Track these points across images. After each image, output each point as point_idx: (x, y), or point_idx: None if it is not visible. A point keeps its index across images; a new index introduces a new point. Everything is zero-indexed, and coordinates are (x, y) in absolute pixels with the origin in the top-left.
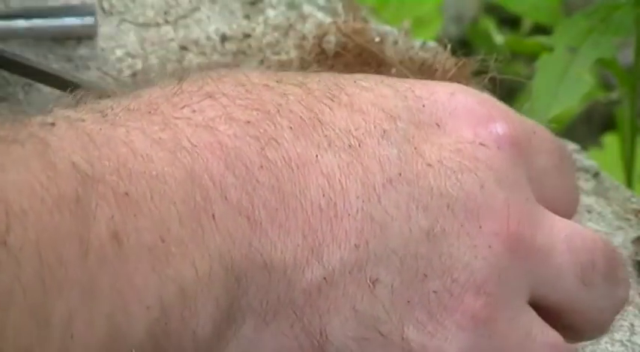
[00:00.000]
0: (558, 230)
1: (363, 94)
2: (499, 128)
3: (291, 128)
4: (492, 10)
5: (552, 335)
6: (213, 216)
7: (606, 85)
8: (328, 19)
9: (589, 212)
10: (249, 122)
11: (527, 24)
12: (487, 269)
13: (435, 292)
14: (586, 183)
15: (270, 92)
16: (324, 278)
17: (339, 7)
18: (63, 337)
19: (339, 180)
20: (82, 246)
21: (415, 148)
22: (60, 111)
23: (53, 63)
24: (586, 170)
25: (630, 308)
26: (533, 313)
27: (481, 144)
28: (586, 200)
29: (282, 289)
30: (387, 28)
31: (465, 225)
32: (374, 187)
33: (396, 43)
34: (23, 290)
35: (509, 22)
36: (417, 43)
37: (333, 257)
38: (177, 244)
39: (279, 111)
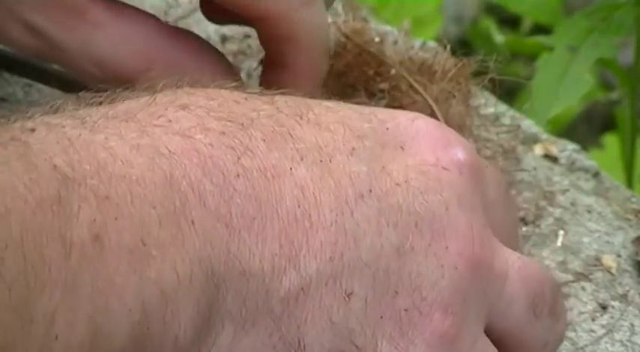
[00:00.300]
0: (512, 259)
1: (330, 114)
2: (459, 153)
3: (264, 140)
4: (492, 10)
5: None
6: (193, 221)
7: (606, 85)
8: (328, 19)
9: (589, 212)
10: (223, 133)
11: (527, 24)
12: (453, 289)
13: (405, 310)
14: (586, 183)
15: (241, 107)
16: (302, 288)
17: (339, 7)
18: (46, 336)
19: (313, 193)
20: (65, 245)
21: (383, 167)
22: (39, 117)
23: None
24: (586, 170)
25: (630, 308)
26: (488, 340)
27: (443, 168)
28: (586, 200)
29: (260, 297)
30: (387, 28)
31: (432, 244)
32: (346, 201)
33: (395, 43)
34: (8, 289)
35: (510, 22)
36: (417, 43)
37: (309, 267)
38: (158, 247)
39: (252, 123)
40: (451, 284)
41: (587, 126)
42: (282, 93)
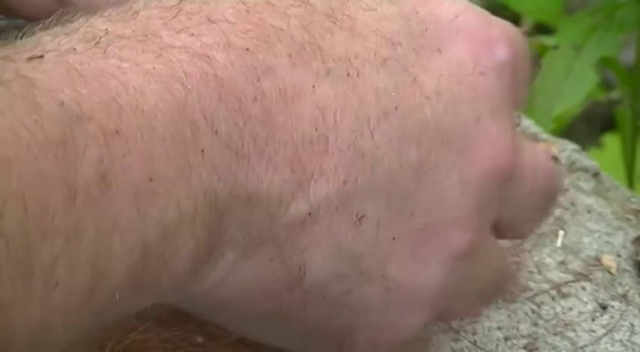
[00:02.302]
0: (531, 156)
1: (366, 15)
2: (501, 53)
3: (290, 55)
4: (493, 10)
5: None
6: (202, 151)
7: (606, 85)
8: None
9: (589, 212)
10: (247, 49)
11: (528, 23)
12: (473, 206)
13: (421, 230)
14: (586, 183)
15: (271, 12)
16: (309, 213)
17: None
18: (46, 285)
19: (334, 113)
20: (70, 190)
21: (414, 79)
22: (49, 40)
23: None
24: (586, 170)
25: (630, 308)
26: (494, 239)
27: (481, 73)
28: (586, 200)
29: (264, 224)
30: None
31: (457, 160)
32: (368, 121)
33: None
34: (7, 244)
35: (510, 21)
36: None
37: (319, 192)
38: (164, 183)
39: (279, 37)
40: (472, 200)
41: (587, 126)
42: None
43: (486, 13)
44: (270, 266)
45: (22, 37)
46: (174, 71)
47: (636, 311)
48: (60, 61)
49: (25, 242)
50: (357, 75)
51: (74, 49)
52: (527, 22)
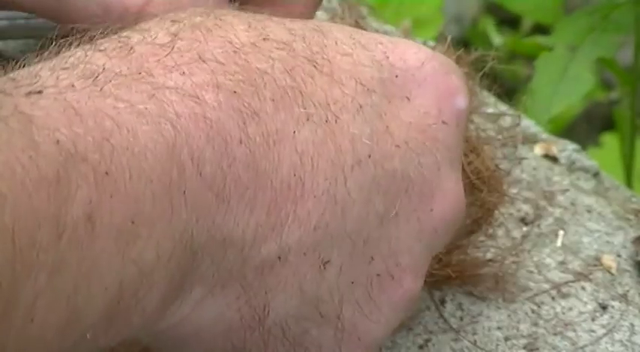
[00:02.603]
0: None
1: (343, 61)
2: (461, 102)
3: (273, 100)
4: (492, 10)
5: None
6: (185, 192)
7: (606, 85)
8: (327, 18)
9: (589, 212)
10: (235, 92)
11: (527, 24)
12: (427, 253)
13: (378, 275)
14: (586, 183)
15: (257, 55)
16: (279, 256)
17: (338, 6)
18: (24, 320)
19: (311, 159)
20: (58, 228)
21: (387, 127)
22: (49, 75)
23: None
24: (586, 170)
25: (630, 308)
26: None
27: (443, 122)
28: (586, 200)
29: (235, 264)
30: (388, 27)
31: (417, 209)
32: (343, 169)
33: None
34: None
35: (510, 21)
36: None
37: (291, 237)
38: (146, 225)
39: (264, 81)
40: (426, 247)
41: (587, 126)
42: (301, 21)
43: (447, 60)
44: (235, 304)
45: (20, 67)
46: (165, 112)
47: (636, 311)
48: (58, 98)
49: (11, 276)
50: (335, 121)
51: (72, 85)
52: (526, 23)
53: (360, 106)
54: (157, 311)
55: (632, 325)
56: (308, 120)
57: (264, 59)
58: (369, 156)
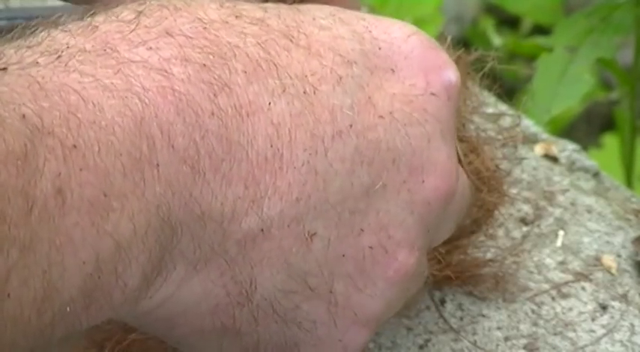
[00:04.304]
0: (461, 177)
1: (321, 34)
2: (451, 75)
3: (245, 72)
4: (492, 11)
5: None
6: (157, 165)
7: (606, 85)
8: None
9: (589, 212)
10: (204, 65)
11: (527, 24)
12: (421, 226)
13: (370, 248)
14: (586, 183)
15: (228, 30)
16: (261, 229)
17: None
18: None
19: (289, 130)
20: (27, 202)
21: (369, 98)
22: (13, 53)
23: None
24: (586, 170)
25: (630, 308)
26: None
27: (432, 93)
28: (586, 200)
29: (216, 239)
30: None
31: (407, 180)
32: (322, 139)
33: None
34: None
35: (509, 22)
36: None
37: (272, 209)
38: (119, 198)
39: (235, 54)
40: (419, 220)
41: (587, 126)
42: (276, 3)
43: (433, 39)
44: (220, 280)
45: None
46: (132, 86)
47: (636, 312)
48: (23, 73)
49: None
50: (314, 92)
51: (37, 62)
52: (526, 23)
53: (340, 77)
54: (139, 288)
55: (632, 325)
56: (284, 91)
57: (235, 34)
58: (351, 127)
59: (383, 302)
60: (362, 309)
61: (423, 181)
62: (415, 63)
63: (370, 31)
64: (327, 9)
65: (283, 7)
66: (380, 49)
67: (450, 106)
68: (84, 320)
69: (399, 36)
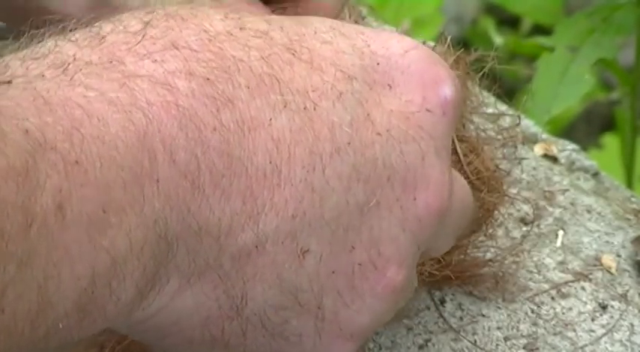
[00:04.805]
0: (460, 190)
1: (323, 49)
2: (447, 91)
3: (248, 87)
4: (492, 11)
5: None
6: (157, 180)
7: (606, 85)
8: None
9: (589, 212)
10: (208, 80)
11: (527, 24)
12: (411, 243)
13: (359, 264)
14: (586, 183)
15: (232, 43)
16: (256, 245)
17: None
18: None
19: (288, 147)
20: (27, 218)
21: (367, 114)
22: (18, 65)
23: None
24: (586, 170)
25: (630, 307)
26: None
27: (428, 110)
28: (586, 200)
29: (212, 254)
30: (387, 27)
31: (400, 198)
32: (321, 157)
33: None
34: None
35: (509, 22)
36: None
37: (268, 225)
38: (117, 213)
39: (239, 68)
40: (410, 237)
41: (587, 126)
42: (279, 15)
43: (432, 51)
44: (213, 294)
45: None
46: (136, 100)
47: (636, 311)
48: (27, 87)
49: None
50: (314, 108)
51: (42, 75)
52: (526, 23)
53: (340, 93)
54: (132, 302)
55: (632, 325)
56: (285, 107)
57: (239, 47)
58: (349, 144)
59: (369, 317)
60: (348, 324)
61: (415, 198)
62: (412, 78)
63: (369, 46)
64: (327, 21)
65: (286, 20)
66: (378, 64)
67: (445, 122)
68: (76, 333)
69: (396, 51)
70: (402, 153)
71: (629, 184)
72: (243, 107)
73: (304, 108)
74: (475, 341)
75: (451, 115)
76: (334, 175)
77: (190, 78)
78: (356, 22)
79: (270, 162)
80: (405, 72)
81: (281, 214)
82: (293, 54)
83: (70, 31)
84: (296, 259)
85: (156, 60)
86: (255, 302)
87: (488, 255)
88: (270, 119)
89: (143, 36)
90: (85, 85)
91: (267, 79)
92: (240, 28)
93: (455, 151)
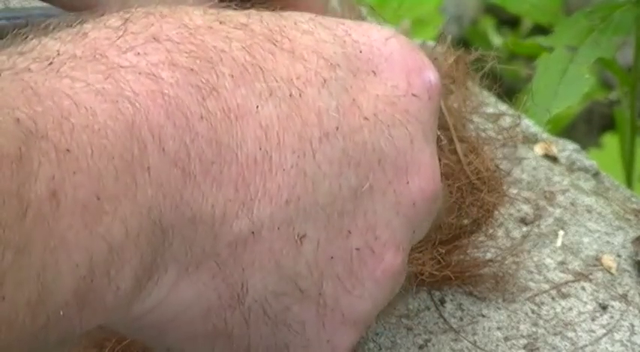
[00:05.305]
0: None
1: (304, 38)
2: (431, 76)
3: (232, 76)
4: (492, 11)
5: None
6: (149, 168)
7: (606, 85)
8: None
9: (589, 212)
10: (192, 70)
11: (527, 24)
12: (406, 227)
13: (357, 249)
14: (586, 183)
15: (213, 35)
16: (252, 232)
17: (338, 6)
18: None
19: (277, 133)
20: (22, 205)
21: (353, 99)
22: (5, 59)
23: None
24: (586, 170)
25: (630, 308)
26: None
27: (413, 94)
28: (586, 200)
29: (207, 242)
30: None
31: (393, 181)
32: (310, 142)
33: None
34: None
35: (509, 22)
36: (417, 42)
37: (263, 212)
38: (111, 201)
39: (221, 58)
40: (405, 221)
41: (587, 126)
42: (258, 10)
43: (411, 41)
44: (212, 283)
45: None
46: (122, 90)
47: (636, 311)
48: (16, 78)
49: None
50: (300, 95)
51: (29, 68)
52: (526, 23)
53: (325, 80)
54: (132, 292)
55: (632, 325)
56: (271, 95)
57: (220, 38)
58: (337, 129)
59: (371, 303)
60: (350, 310)
61: (408, 182)
62: (396, 65)
63: (350, 35)
64: (306, 14)
65: (266, 13)
66: (361, 51)
67: (431, 107)
68: (77, 324)
69: (377, 38)
70: (391, 137)
71: (629, 184)
72: (229, 95)
73: (290, 96)
74: (475, 341)
75: (436, 100)
76: (325, 160)
77: (174, 68)
78: None
79: (260, 149)
80: (388, 58)
81: (275, 200)
82: (274, 44)
83: (53, 30)
84: (293, 245)
85: (138, 53)
86: (255, 289)
87: (489, 255)
88: (257, 106)
89: (124, 31)
90: (70, 77)
91: (250, 68)
92: (220, 22)
93: (455, 151)
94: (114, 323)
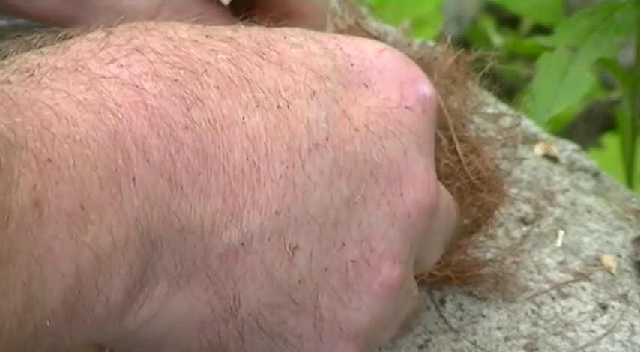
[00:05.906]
0: (443, 196)
1: (293, 51)
2: (425, 89)
3: (218, 87)
4: (492, 11)
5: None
6: (134, 179)
7: (606, 85)
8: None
9: (589, 212)
10: (175, 80)
11: (527, 24)
12: (403, 239)
13: (352, 261)
14: (586, 183)
15: (199, 48)
16: (242, 243)
17: (338, 6)
18: None
19: (265, 144)
20: (3, 214)
21: (344, 111)
22: None
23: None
24: (586, 170)
25: (630, 308)
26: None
27: (407, 107)
28: (586, 200)
29: (197, 253)
30: (387, 27)
31: (386, 193)
32: (299, 152)
33: (396, 42)
34: None
35: (509, 22)
36: (417, 42)
37: (252, 222)
38: (96, 210)
39: (206, 70)
40: (401, 233)
41: (587, 126)
42: (246, 26)
43: (405, 55)
44: (204, 296)
45: None
46: (104, 101)
47: (636, 311)
48: None
49: None
50: (288, 107)
51: (9, 80)
52: (526, 23)
53: (314, 92)
54: (122, 303)
55: (632, 325)
56: (258, 106)
57: (205, 51)
58: (327, 139)
59: (369, 317)
60: (348, 324)
61: (402, 194)
62: (389, 77)
63: (342, 48)
64: (297, 29)
65: (254, 28)
66: (352, 65)
67: (426, 119)
68: (67, 335)
69: (370, 52)
70: (383, 148)
71: (629, 184)
72: (214, 106)
73: (277, 107)
74: (475, 341)
75: (431, 113)
76: (315, 170)
77: (157, 79)
78: (356, 22)
79: (248, 159)
80: (381, 71)
81: (264, 211)
82: (261, 56)
83: (36, 45)
84: (285, 256)
85: (121, 65)
86: (249, 302)
87: (489, 255)
88: (244, 117)
89: (106, 43)
90: (51, 88)
91: (236, 79)
92: (206, 36)
93: (455, 151)
94: (110, 341)
